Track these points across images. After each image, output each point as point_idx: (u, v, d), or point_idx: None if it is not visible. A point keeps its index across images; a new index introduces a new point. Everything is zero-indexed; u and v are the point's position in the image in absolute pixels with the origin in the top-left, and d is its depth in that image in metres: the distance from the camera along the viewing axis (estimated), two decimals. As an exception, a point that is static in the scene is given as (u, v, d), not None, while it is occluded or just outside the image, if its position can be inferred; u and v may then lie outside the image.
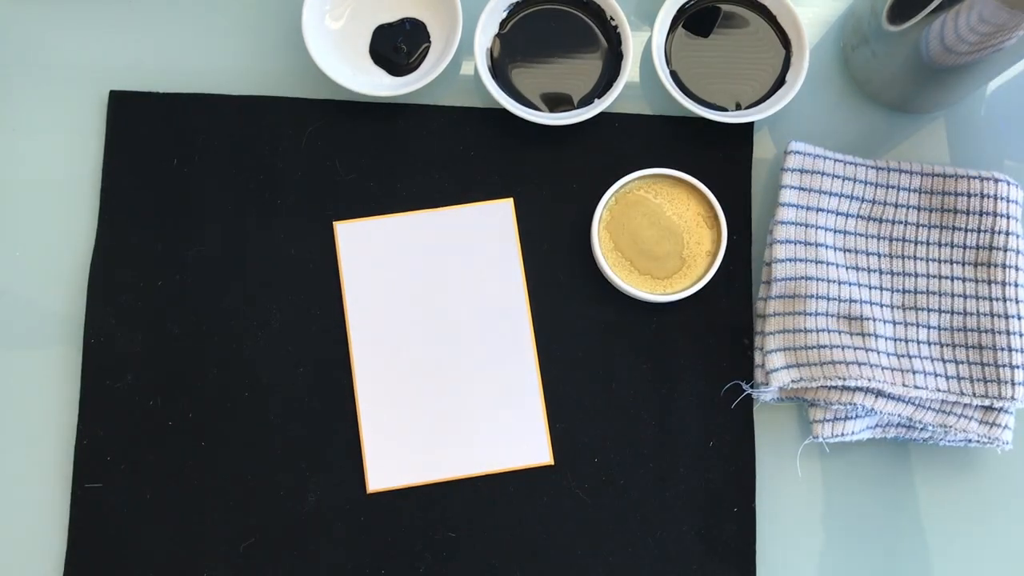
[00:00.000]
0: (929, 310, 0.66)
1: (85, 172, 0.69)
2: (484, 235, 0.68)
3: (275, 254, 0.68)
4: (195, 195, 0.68)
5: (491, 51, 0.70)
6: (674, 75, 0.70)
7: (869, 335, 0.64)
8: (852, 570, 0.66)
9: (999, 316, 0.65)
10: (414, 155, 0.69)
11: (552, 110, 0.69)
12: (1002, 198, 0.66)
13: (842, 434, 0.64)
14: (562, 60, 0.70)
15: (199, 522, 0.65)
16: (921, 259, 0.67)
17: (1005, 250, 0.66)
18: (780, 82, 0.69)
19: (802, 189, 0.67)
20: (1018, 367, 0.64)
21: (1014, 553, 0.66)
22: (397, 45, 0.70)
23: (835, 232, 0.67)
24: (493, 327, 0.67)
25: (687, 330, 0.67)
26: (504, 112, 0.69)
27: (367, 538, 0.65)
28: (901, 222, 0.67)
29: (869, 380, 0.62)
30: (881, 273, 0.67)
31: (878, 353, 0.64)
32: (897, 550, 0.66)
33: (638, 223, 0.67)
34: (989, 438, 0.64)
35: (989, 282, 0.66)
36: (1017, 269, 0.66)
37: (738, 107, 0.69)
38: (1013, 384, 0.63)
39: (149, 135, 0.69)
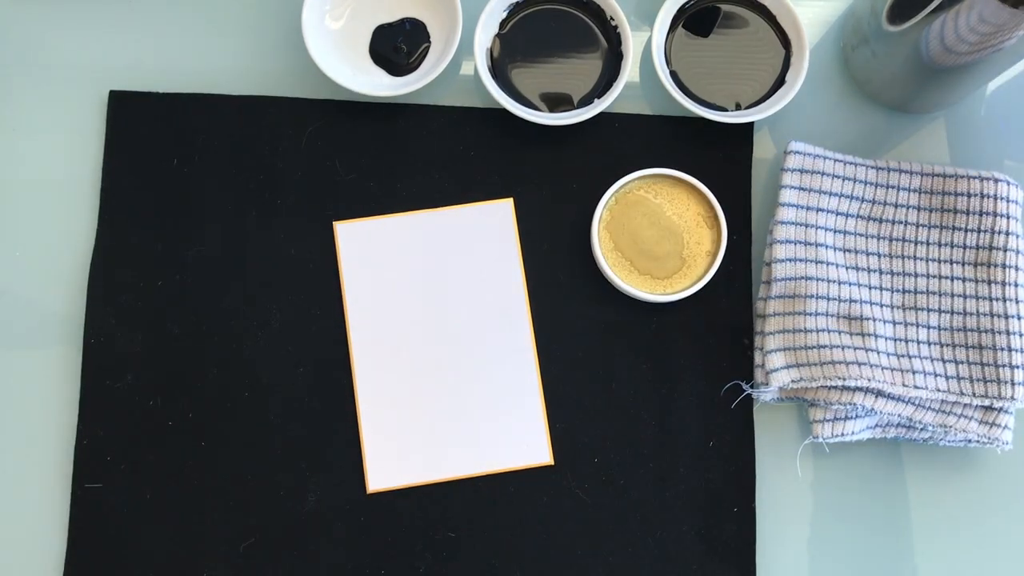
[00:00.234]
0: (929, 310, 0.66)
1: (85, 172, 0.69)
2: (484, 235, 0.68)
3: (275, 254, 0.68)
4: (195, 195, 0.68)
5: (491, 51, 0.70)
6: (674, 75, 0.70)
7: (869, 335, 0.64)
8: (852, 570, 0.66)
9: (999, 316, 0.65)
10: (414, 155, 0.69)
11: (552, 110, 0.69)
12: (1002, 198, 0.66)
13: (842, 434, 0.64)
14: (562, 60, 0.70)
15: (199, 522, 0.65)
16: (921, 259, 0.67)
17: (1005, 250, 0.66)
18: (780, 82, 0.69)
19: (802, 189, 0.67)
20: (1018, 367, 0.64)
21: (1014, 553, 0.66)
22: (397, 45, 0.70)
23: (835, 232, 0.67)
24: (493, 327, 0.67)
25: (687, 330, 0.67)
26: (504, 112, 0.69)
27: (367, 538, 0.65)
28: (901, 222, 0.67)
29: (869, 380, 0.62)
30: (881, 273, 0.67)
31: (878, 353, 0.64)
32: (897, 550, 0.66)
33: (638, 223, 0.67)
34: (989, 438, 0.64)
35: (989, 282, 0.66)
36: (1017, 269, 0.66)
37: (738, 107, 0.69)
38: (1013, 384, 0.63)
39: (149, 135, 0.69)
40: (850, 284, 0.66)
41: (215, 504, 0.65)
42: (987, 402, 0.63)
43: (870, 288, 0.67)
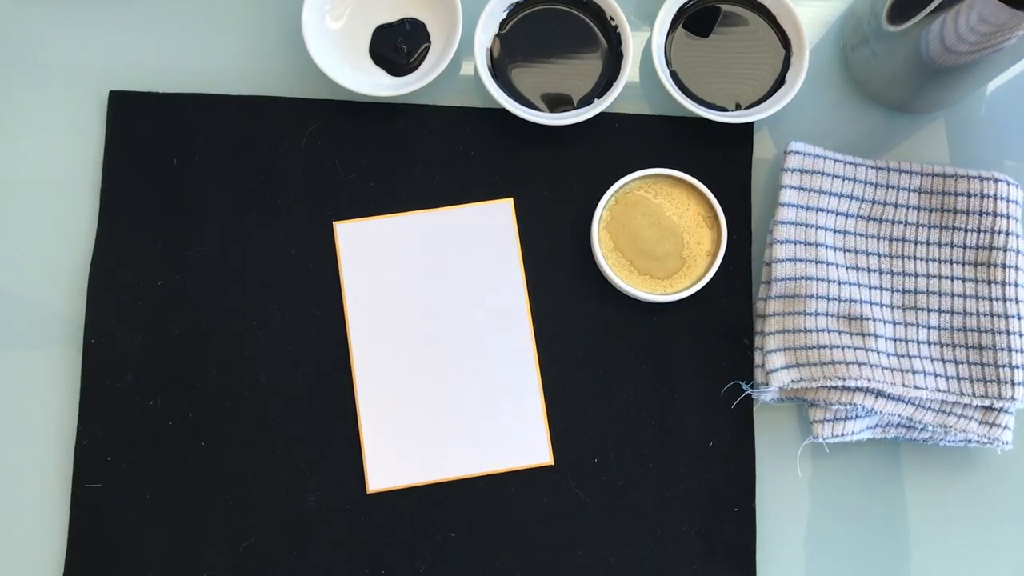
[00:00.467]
0: (929, 310, 0.66)
1: (85, 172, 0.69)
2: (484, 235, 0.68)
3: (275, 254, 0.68)
4: (195, 195, 0.68)
5: (491, 51, 0.70)
6: (674, 75, 0.70)
7: (869, 335, 0.64)
8: (852, 570, 0.66)
9: (999, 316, 0.65)
10: (414, 155, 0.69)
11: (552, 110, 0.69)
12: (1002, 198, 0.66)
13: (842, 434, 0.64)
14: (562, 60, 0.70)
15: (199, 522, 0.65)
16: (921, 259, 0.67)
17: (1005, 250, 0.66)
18: (780, 82, 0.69)
19: (802, 189, 0.67)
20: (1018, 367, 0.64)
21: (1014, 553, 0.66)
22: (397, 45, 0.70)
23: (835, 232, 0.67)
24: (493, 327, 0.67)
25: (687, 330, 0.67)
26: (504, 112, 0.69)
27: (367, 538, 0.65)
28: (901, 222, 0.67)
29: (869, 380, 0.62)
30: (881, 273, 0.67)
31: (878, 353, 0.64)
32: (897, 550, 0.66)
33: (638, 223, 0.67)
34: (989, 438, 0.64)
35: (989, 282, 0.66)
36: (1017, 269, 0.66)
37: (738, 107, 0.69)
38: (1013, 384, 0.63)
39: (149, 135, 0.69)
40: (850, 284, 0.66)
41: (215, 504, 0.65)
42: (987, 402, 0.63)
43: (870, 288, 0.67)
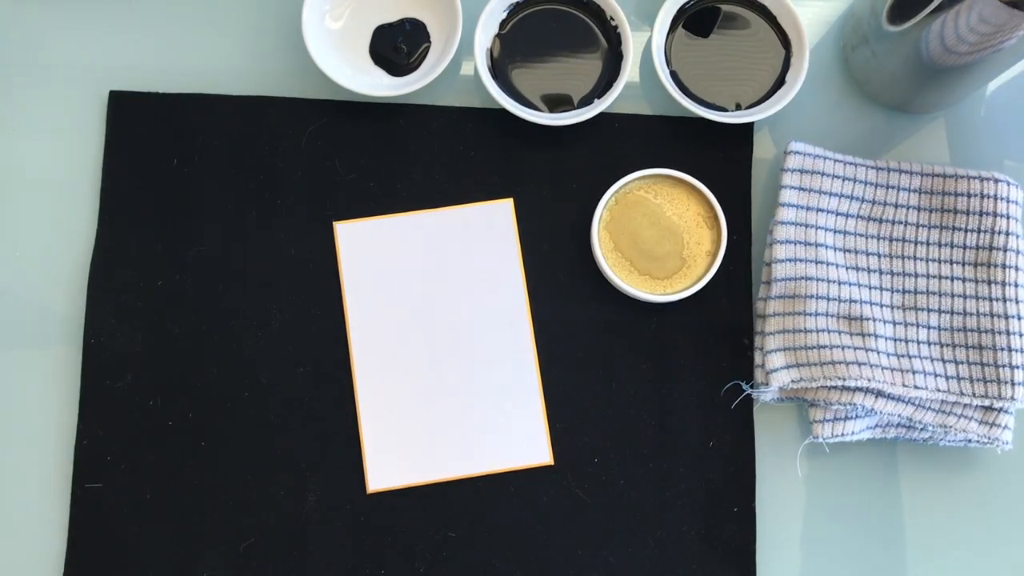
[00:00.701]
0: (929, 310, 0.66)
1: (85, 172, 0.69)
2: (484, 235, 0.68)
3: (275, 254, 0.68)
4: (195, 195, 0.68)
5: (491, 51, 0.70)
6: (674, 75, 0.70)
7: (869, 335, 0.64)
8: (852, 570, 0.66)
9: (999, 316, 0.65)
10: (414, 155, 0.69)
11: (552, 110, 0.69)
12: (1002, 198, 0.66)
13: (842, 434, 0.64)
14: (562, 60, 0.70)
15: (199, 522, 0.65)
16: (921, 259, 0.67)
17: (1005, 250, 0.66)
18: (780, 82, 0.69)
19: (802, 189, 0.67)
20: (1018, 367, 0.64)
21: (1014, 553, 0.66)
22: (397, 45, 0.70)
23: (835, 232, 0.67)
24: (493, 327, 0.67)
25: (687, 330, 0.67)
26: (504, 112, 0.69)
27: (367, 538, 0.65)
28: (901, 222, 0.67)
29: (869, 380, 0.62)
30: (881, 273, 0.67)
31: (878, 353, 0.64)
32: (897, 550, 0.66)
33: (638, 223, 0.67)
34: (989, 438, 0.64)
35: (989, 282, 0.66)
36: (1017, 269, 0.66)
37: (738, 107, 0.69)
38: (1013, 384, 0.63)
39: (149, 135, 0.69)
40: (850, 284, 0.66)
41: (215, 504, 0.65)
42: (987, 402, 0.63)
43: (870, 288, 0.67)
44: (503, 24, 0.70)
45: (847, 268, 0.67)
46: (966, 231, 0.67)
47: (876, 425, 0.65)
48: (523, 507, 0.65)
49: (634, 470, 0.66)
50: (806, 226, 0.66)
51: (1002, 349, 0.64)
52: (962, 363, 0.65)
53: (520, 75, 0.70)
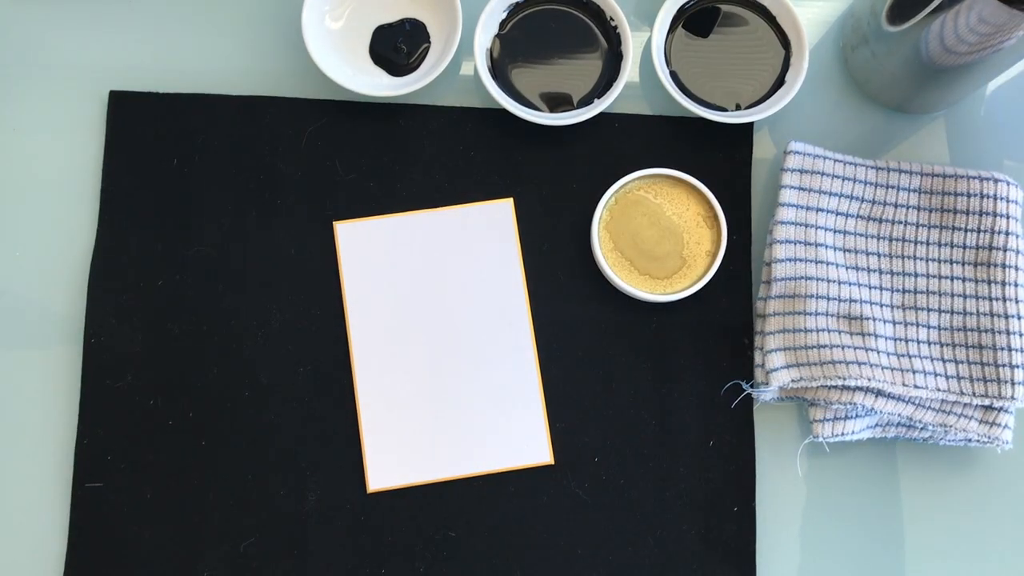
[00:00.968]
0: (929, 310, 0.66)
1: (85, 172, 0.69)
2: (484, 235, 0.68)
3: (275, 254, 0.68)
4: (195, 195, 0.68)
5: (491, 51, 0.70)
6: (674, 75, 0.70)
7: (869, 335, 0.64)
8: (852, 570, 0.66)
9: (999, 316, 0.65)
10: (414, 155, 0.69)
11: (552, 110, 0.69)
12: (1002, 198, 0.66)
13: (842, 434, 0.64)
14: (562, 60, 0.70)
15: (199, 522, 0.65)
16: (921, 259, 0.67)
17: (1005, 250, 0.66)
18: (780, 82, 0.69)
19: (802, 189, 0.67)
20: (1018, 367, 0.64)
21: (1014, 553, 0.66)
22: (397, 45, 0.70)
23: (835, 232, 0.67)
24: (493, 327, 0.67)
25: (687, 330, 0.67)
26: (504, 112, 0.69)
27: (367, 538, 0.65)
28: (901, 222, 0.67)
29: (869, 380, 0.62)
30: (881, 273, 0.67)
31: (878, 353, 0.64)
32: (897, 550, 0.66)
33: (638, 223, 0.67)
34: (989, 438, 0.64)
35: (989, 282, 0.66)
36: (1017, 269, 0.66)
37: (738, 107, 0.69)
38: (1013, 384, 0.63)
39: (149, 135, 0.69)
40: (850, 284, 0.66)
41: (215, 504, 0.65)
42: (987, 402, 0.63)
43: (870, 288, 0.67)
44: (503, 24, 0.70)
45: (847, 268, 0.67)
46: (966, 231, 0.67)
47: (876, 425, 0.65)
48: (523, 507, 0.65)
49: (634, 470, 0.66)
50: (806, 226, 0.66)
51: (1002, 349, 0.64)
52: (962, 363, 0.65)
53: (520, 75, 0.70)
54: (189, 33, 0.71)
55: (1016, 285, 0.65)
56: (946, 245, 0.67)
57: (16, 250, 0.68)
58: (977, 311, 0.65)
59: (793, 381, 0.64)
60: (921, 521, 0.66)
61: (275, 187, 0.68)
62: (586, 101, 0.69)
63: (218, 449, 0.65)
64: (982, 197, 0.66)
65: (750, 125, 0.70)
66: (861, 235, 0.68)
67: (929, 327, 0.66)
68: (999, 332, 0.64)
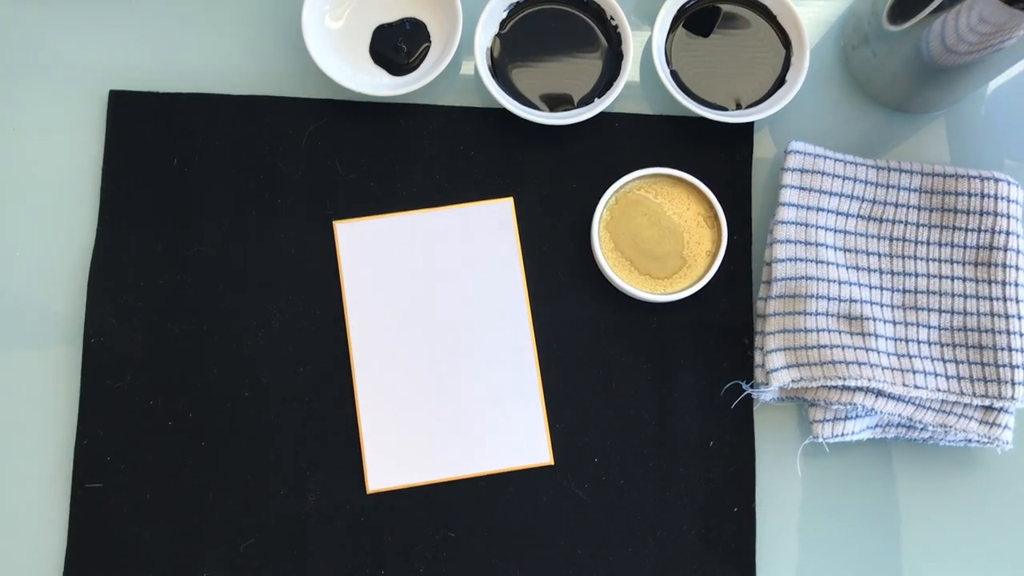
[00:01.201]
0: (929, 310, 0.66)
1: (85, 172, 0.69)
2: (484, 235, 0.68)
3: (275, 254, 0.68)
4: (195, 195, 0.68)
5: (491, 51, 0.70)
6: (674, 75, 0.70)
7: (869, 335, 0.64)
8: (852, 570, 0.66)
9: (999, 316, 0.65)
10: (414, 155, 0.69)
11: (552, 110, 0.69)
12: (1002, 198, 0.66)
13: (842, 434, 0.64)
14: (562, 60, 0.70)
15: (199, 522, 0.65)
16: (921, 259, 0.67)
17: (1005, 250, 0.66)
18: (780, 82, 0.69)
19: (802, 189, 0.67)
20: (1018, 367, 0.64)
21: (1014, 553, 0.66)
22: (397, 45, 0.70)
23: (835, 232, 0.67)
24: (493, 327, 0.67)
25: (687, 330, 0.67)
26: (504, 112, 0.69)
27: (367, 538, 0.65)
28: (901, 222, 0.67)
29: (869, 380, 0.62)
30: (881, 273, 0.67)
31: (878, 353, 0.64)
32: (897, 550, 0.66)
33: (638, 223, 0.67)
34: (989, 438, 0.64)
35: (989, 282, 0.66)
36: (1017, 269, 0.66)
37: (738, 107, 0.69)
38: (1013, 384, 0.63)
39: (149, 135, 0.69)
40: (850, 284, 0.66)
41: (215, 504, 0.65)
42: (987, 402, 0.63)
43: (870, 288, 0.66)
44: (503, 24, 0.70)
45: (847, 268, 0.67)
46: (966, 231, 0.66)
47: (876, 425, 0.65)
48: (523, 507, 0.65)
49: (634, 470, 0.66)
50: (806, 226, 0.66)
51: (1002, 349, 0.64)
52: (962, 363, 0.65)
53: (520, 75, 0.70)
54: (189, 33, 0.71)
55: (1016, 285, 0.65)
56: (946, 245, 0.67)
57: (16, 250, 0.68)
58: (977, 311, 0.65)
59: (793, 381, 0.64)
60: (921, 521, 0.66)
61: (275, 187, 0.68)
62: (586, 101, 0.69)
63: (218, 449, 0.65)
64: (982, 197, 0.66)
65: (750, 125, 0.70)
66: (861, 235, 0.67)
67: (929, 327, 0.66)
68: (999, 332, 0.64)
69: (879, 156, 0.70)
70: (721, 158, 0.69)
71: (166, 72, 0.70)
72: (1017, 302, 0.65)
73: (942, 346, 0.65)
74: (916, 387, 0.63)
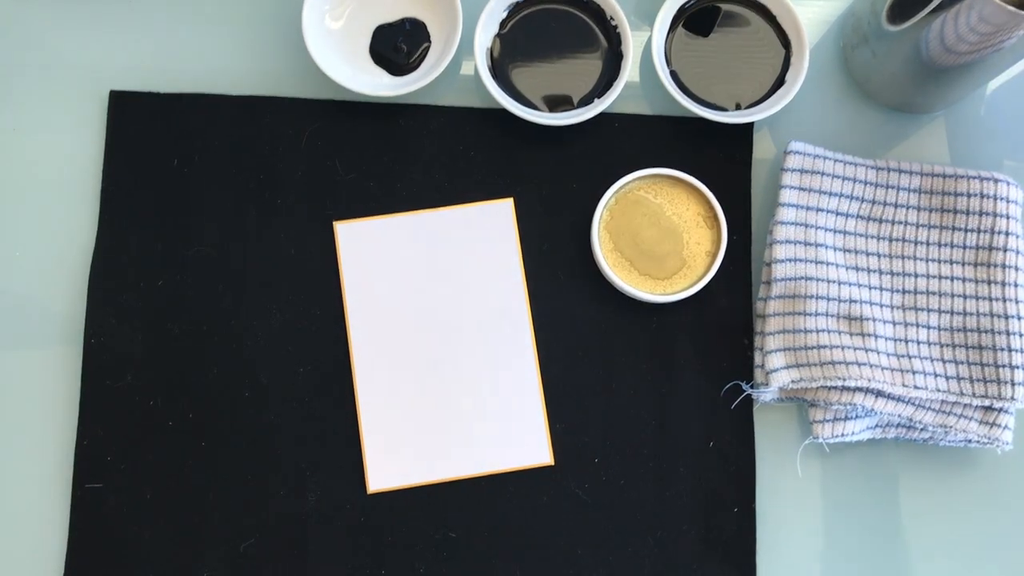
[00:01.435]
0: (929, 310, 0.66)
1: (85, 172, 0.69)
2: (484, 235, 0.68)
3: (275, 254, 0.68)
4: (195, 195, 0.68)
5: (491, 51, 0.70)
6: (674, 75, 0.70)
7: (869, 335, 0.64)
8: (852, 570, 0.66)
9: (999, 316, 0.65)
10: (414, 155, 0.69)
11: (552, 110, 0.69)
12: (1002, 198, 0.66)
13: (842, 434, 0.64)
14: (562, 60, 0.70)
15: (199, 522, 0.65)
16: (921, 259, 0.67)
17: (1005, 250, 0.66)
18: (780, 82, 0.69)
19: (802, 189, 0.67)
20: (1018, 367, 0.64)
21: (1014, 553, 0.66)
22: (397, 45, 0.70)
23: (835, 232, 0.67)
24: (493, 327, 0.67)
25: (687, 330, 0.67)
26: (504, 112, 0.69)
27: (367, 538, 0.65)
28: (901, 222, 0.67)
29: (869, 380, 0.62)
30: (881, 273, 0.67)
31: (878, 353, 0.64)
32: (897, 550, 0.66)
33: (638, 223, 0.67)
34: (989, 438, 0.64)
35: (989, 282, 0.66)
36: (1017, 269, 0.66)
37: (738, 107, 0.69)
38: (1013, 384, 0.63)
39: (149, 135, 0.69)
40: (850, 284, 0.66)
41: (215, 504, 0.65)
42: (987, 402, 0.63)
43: (870, 288, 0.67)
44: (503, 24, 0.70)
45: (847, 268, 0.67)
46: (966, 231, 0.67)
47: (876, 425, 0.65)
48: (523, 507, 0.65)
49: (634, 470, 0.66)
50: (806, 226, 0.66)
51: (1002, 349, 0.64)
52: (962, 363, 0.65)
53: (520, 75, 0.70)
54: (189, 33, 0.71)
55: (1016, 285, 0.65)
56: (946, 245, 0.67)
57: (16, 250, 0.68)
58: (977, 311, 0.65)
59: (793, 382, 0.64)
60: (921, 522, 0.66)
61: (275, 187, 0.68)
62: (586, 101, 0.69)
63: (218, 449, 0.65)
64: (982, 197, 0.66)
65: (750, 125, 0.70)
66: (861, 235, 0.68)
67: (929, 327, 0.66)
68: (999, 332, 0.64)
69: (879, 156, 0.70)
70: (721, 158, 0.69)
71: (166, 72, 0.70)
72: (1017, 302, 0.65)
73: (942, 346, 0.65)
74: (916, 387, 0.63)
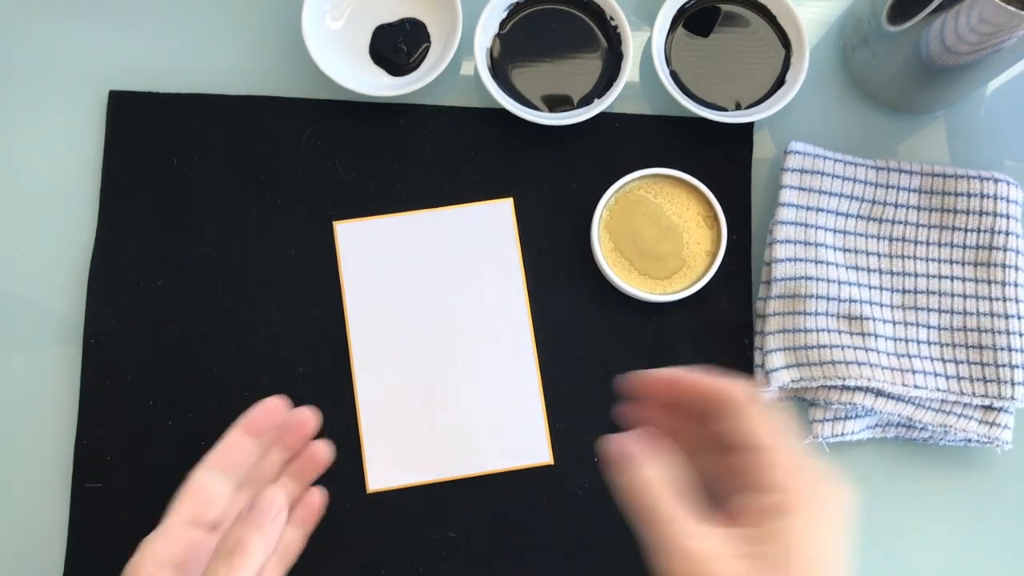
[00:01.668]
0: (929, 310, 0.66)
1: (85, 172, 0.69)
2: (484, 235, 0.68)
3: (275, 254, 0.68)
4: (195, 195, 0.68)
5: (491, 51, 0.70)
6: (674, 75, 0.70)
7: (869, 335, 0.64)
8: (851, 570, 0.66)
9: (999, 316, 0.65)
10: (414, 155, 0.69)
11: (552, 110, 0.69)
12: (1002, 198, 0.66)
13: (842, 434, 0.64)
14: (562, 60, 0.70)
15: (199, 522, 0.64)
16: (921, 259, 0.67)
17: (1005, 250, 0.66)
18: (780, 82, 0.69)
19: (802, 189, 0.67)
20: (1018, 367, 0.64)
21: (1014, 553, 0.66)
22: (397, 45, 0.70)
23: (835, 232, 0.67)
24: (493, 327, 0.67)
25: (687, 330, 0.67)
26: (504, 112, 0.69)
27: (367, 538, 0.65)
28: (901, 222, 0.67)
29: (869, 380, 0.62)
30: (881, 273, 0.67)
31: (878, 353, 0.64)
32: (897, 550, 0.66)
33: (638, 223, 0.67)
34: (989, 438, 0.64)
35: (989, 282, 0.66)
36: (1017, 269, 0.66)
37: (738, 107, 0.69)
38: (1013, 384, 0.63)
39: (149, 135, 0.69)
40: (850, 284, 0.66)
41: (215, 504, 0.65)
42: (987, 402, 0.63)
43: (870, 288, 0.67)
44: (503, 24, 0.70)
45: (847, 268, 0.67)
46: (966, 231, 0.67)
47: (876, 425, 0.65)
48: (523, 507, 0.65)
49: (634, 470, 0.66)
50: (806, 226, 0.66)
51: (1002, 349, 0.64)
52: (962, 363, 0.65)
53: (520, 75, 0.70)
54: (189, 33, 0.71)
55: (1016, 285, 0.65)
56: (946, 245, 0.67)
57: (16, 250, 0.68)
58: (977, 311, 0.65)
59: (793, 381, 0.64)
60: (921, 521, 0.66)
61: (275, 187, 0.68)
62: (586, 101, 0.69)
63: (218, 449, 0.65)
64: (982, 197, 0.66)
65: (750, 125, 0.70)
66: (861, 235, 0.68)
67: (929, 327, 0.66)
68: (999, 332, 0.64)
69: (879, 156, 0.70)
70: (721, 158, 0.69)
71: (166, 72, 0.70)
72: (1017, 302, 0.65)
73: (942, 346, 0.65)
74: (916, 387, 0.63)
